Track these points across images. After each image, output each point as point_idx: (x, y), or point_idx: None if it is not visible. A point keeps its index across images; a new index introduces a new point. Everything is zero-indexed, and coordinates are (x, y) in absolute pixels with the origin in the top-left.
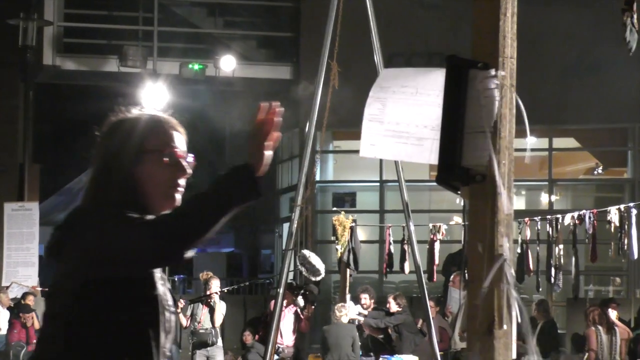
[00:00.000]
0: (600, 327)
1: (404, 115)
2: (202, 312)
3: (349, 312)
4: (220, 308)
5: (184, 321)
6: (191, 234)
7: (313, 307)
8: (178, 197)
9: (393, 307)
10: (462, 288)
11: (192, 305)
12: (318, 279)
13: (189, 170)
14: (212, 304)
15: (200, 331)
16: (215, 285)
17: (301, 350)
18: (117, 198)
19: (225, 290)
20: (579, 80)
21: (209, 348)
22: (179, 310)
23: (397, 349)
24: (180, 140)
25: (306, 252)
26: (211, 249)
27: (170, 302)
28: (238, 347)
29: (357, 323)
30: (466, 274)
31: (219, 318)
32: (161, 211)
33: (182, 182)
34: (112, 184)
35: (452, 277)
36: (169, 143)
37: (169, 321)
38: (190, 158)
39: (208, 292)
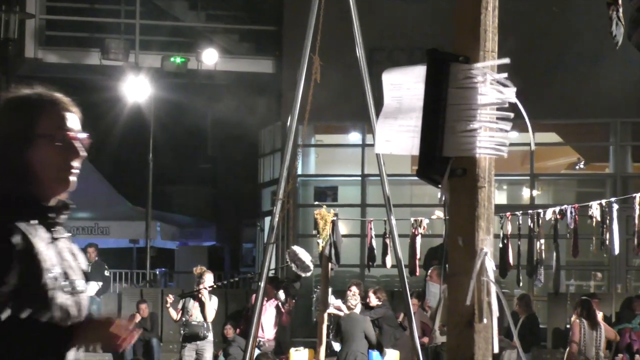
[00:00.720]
0: (585, 321)
1: (418, 111)
2: (194, 306)
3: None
4: (212, 303)
5: (175, 315)
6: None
7: (294, 300)
8: (73, 179)
9: (373, 301)
10: (442, 282)
11: (183, 299)
12: (308, 274)
13: (83, 152)
14: (202, 299)
15: (193, 323)
16: (209, 280)
17: (282, 343)
18: (9, 185)
19: (215, 286)
20: (561, 75)
21: (199, 342)
22: (168, 305)
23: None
24: (73, 121)
25: (296, 248)
26: (193, 242)
27: (79, 282)
28: (219, 341)
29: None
30: (447, 268)
31: (210, 313)
32: (55, 195)
33: (76, 164)
34: (4, 172)
35: (429, 271)
36: (61, 125)
37: (74, 305)
38: (84, 136)
39: (201, 286)
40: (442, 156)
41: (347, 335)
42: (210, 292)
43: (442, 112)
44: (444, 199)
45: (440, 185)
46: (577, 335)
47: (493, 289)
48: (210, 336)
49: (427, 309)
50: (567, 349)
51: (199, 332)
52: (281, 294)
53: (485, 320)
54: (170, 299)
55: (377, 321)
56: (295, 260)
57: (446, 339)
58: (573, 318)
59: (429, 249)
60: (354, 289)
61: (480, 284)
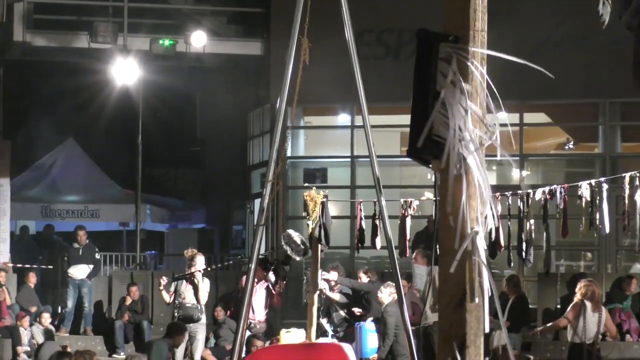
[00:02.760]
0: (588, 303)
1: None
2: (186, 288)
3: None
4: (205, 285)
5: (167, 297)
6: None
7: (285, 282)
8: None
9: (364, 280)
10: (431, 262)
11: (176, 282)
12: (303, 258)
13: None
14: (195, 282)
15: (187, 305)
16: (200, 262)
17: (273, 325)
18: None
19: (209, 269)
20: (549, 55)
21: (192, 324)
22: (161, 288)
23: (365, 320)
24: None
25: (291, 231)
26: (183, 224)
27: None
28: (210, 323)
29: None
30: (437, 249)
31: (203, 295)
32: None
33: None
34: None
35: (414, 254)
36: None
37: None
38: None
39: (193, 269)
40: (433, 136)
41: (397, 329)
42: (202, 275)
43: (432, 92)
44: (434, 178)
45: (430, 165)
46: (571, 313)
47: (484, 268)
48: (204, 318)
49: (414, 292)
50: (555, 321)
51: (193, 315)
52: (271, 276)
53: (476, 300)
54: (163, 281)
55: (367, 297)
56: (290, 243)
57: (438, 318)
58: (576, 297)
59: (416, 233)
60: (333, 273)
61: (471, 263)
